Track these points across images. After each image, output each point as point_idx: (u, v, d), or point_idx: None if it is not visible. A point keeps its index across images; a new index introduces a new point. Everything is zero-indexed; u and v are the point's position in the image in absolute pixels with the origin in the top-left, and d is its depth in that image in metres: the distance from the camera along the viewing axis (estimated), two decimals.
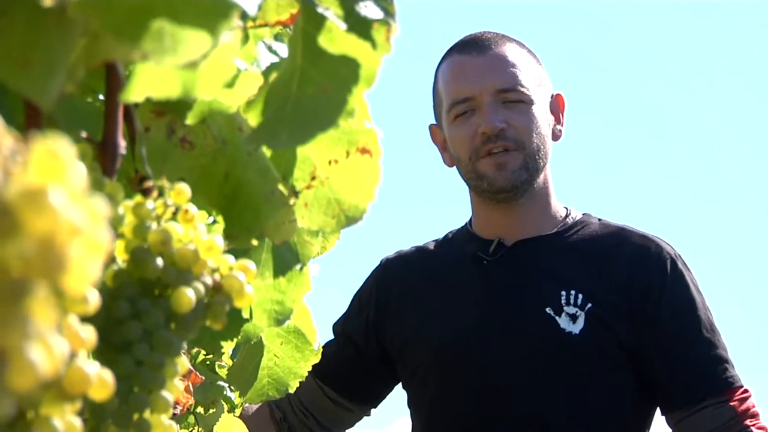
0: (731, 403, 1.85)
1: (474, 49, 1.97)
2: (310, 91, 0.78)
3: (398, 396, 2.10)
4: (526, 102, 1.94)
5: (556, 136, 2.03)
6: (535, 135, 1.93)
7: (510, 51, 1.97)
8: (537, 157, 1.94)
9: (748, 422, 1.85)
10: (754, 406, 1.88)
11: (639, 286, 1.90)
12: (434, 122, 2.09)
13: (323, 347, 1.28)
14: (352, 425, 2.16)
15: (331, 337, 2.14)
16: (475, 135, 1.92)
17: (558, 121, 2.04)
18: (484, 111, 1.92)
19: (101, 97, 0.84)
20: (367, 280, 2.14)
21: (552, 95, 2.04)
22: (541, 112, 1.97)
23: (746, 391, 1.89)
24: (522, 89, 1.94)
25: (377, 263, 2.16)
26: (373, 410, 2.17)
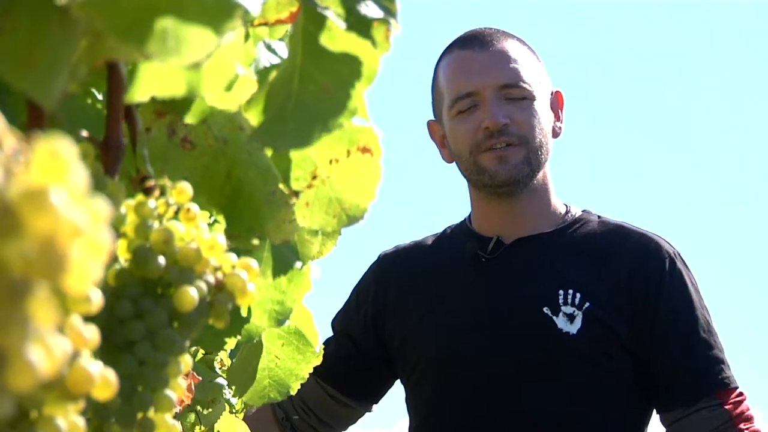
0: (726, 406, 1.85)
1: (476, 45, 1.97)
2: (311, 90, 0.78)
3: (400, 397, 2.09)
4: (528, 98, 1.93)
5: (555, 134, 2.03)
6: (537, 131, 1.93)
7: (511, 47, 1.97)
8: (539, 152, 1.94)
9: (742, 426, 1.85)
10: (748, 409, 1.87)
11: (638, 285, 1.89)
12: (432, 119, 2.08)
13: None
14: (354, 422, 2.16)
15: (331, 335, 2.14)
16: (477, 129, 1.91)
17: (557, 118, 2.04)
18: (487, 106, 1.91)
19: (100, 96, 0.83)
20: (364, 275, 2.13)
21: (552, 92, 2.03)
22: (543, 108, 1.96)
23: (741, 393, 1.89)
24: (524, 85, 1.93)
25: (375, 257, 2.15)
26: (374, 406, 2.16)
